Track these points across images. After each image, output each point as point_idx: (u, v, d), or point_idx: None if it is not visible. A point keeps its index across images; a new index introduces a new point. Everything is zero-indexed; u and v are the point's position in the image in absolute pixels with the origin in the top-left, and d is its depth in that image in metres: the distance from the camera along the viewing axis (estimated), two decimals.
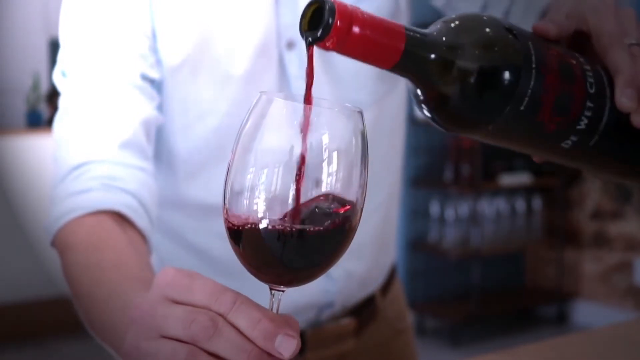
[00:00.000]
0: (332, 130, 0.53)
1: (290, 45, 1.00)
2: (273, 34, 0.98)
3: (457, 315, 4.13)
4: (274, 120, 0.53)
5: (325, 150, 0.52)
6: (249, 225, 0.52)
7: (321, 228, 0.52)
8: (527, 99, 0.59)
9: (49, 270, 3.08)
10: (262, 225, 0.52)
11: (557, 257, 4.48)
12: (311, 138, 0.52)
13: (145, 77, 0.94)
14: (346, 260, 1.07)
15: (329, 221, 0.52)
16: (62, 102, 0.92)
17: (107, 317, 0.70)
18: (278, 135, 0.53)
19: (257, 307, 0.52)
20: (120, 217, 0.84)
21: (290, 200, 0.51)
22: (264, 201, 0.52)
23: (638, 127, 0.62)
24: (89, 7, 0.93)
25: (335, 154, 0.53)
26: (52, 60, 4.67)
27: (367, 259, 1.11)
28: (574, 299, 4.44)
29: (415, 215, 4.25)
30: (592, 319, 4.28)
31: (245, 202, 0.52)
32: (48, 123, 4.44)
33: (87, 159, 0.87)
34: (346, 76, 1.03)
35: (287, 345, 0.51)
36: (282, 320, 0.52)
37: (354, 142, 0.54)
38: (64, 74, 0.94)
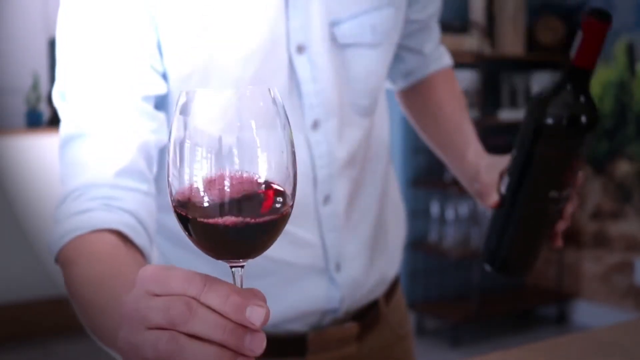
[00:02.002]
0: (256, 113, 0.56)
1: (300, 49, 0.99)
2: (282, 37, 0.98)
3: (457, 315, 4.13)
4: (199, 113, 0.56)
5: (252, 133, 0.56)
6: (192, 216, 0.56)
7: (258, 213, 0.56)
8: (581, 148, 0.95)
9: (49, 270, 3.08)
10: (202, 216, 0.56)
11: (557, 257, 4.48)
12: (238, 124, 0.56)
13: (147, 98, 0.93)
14: (346, 266, 1.07)
15: (263, 203, 0.56)
16: (62, 128, 0.93)
17: (108, 320, 0.72)
18: (206, 127, 0.56)
19: (225, 284, 0.56)
20: (120, 235, 0.85)
21: (226, 187, 0.55)
22: (201, 191, 0.55)
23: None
24: (88, 26, 0.92)
25: (261, 135, 0.56)
26: (52, 60, 4.67)
27: (365, 264, 1.11)
28: (574, 299, 4.44)
29: (415, 215, 4.25)
30: (592, 319, 4.28)
31: (185, 191, 0.56)
32: (48, 123, 4.43)
33: (85, 183, 0.89)
34: (355, 81, 1.04)
35: (257, 314, 0.55)
36: (249, 293, 0.56)
37: (278, 122, 0.57)
38: (62, 97, 0.93)
